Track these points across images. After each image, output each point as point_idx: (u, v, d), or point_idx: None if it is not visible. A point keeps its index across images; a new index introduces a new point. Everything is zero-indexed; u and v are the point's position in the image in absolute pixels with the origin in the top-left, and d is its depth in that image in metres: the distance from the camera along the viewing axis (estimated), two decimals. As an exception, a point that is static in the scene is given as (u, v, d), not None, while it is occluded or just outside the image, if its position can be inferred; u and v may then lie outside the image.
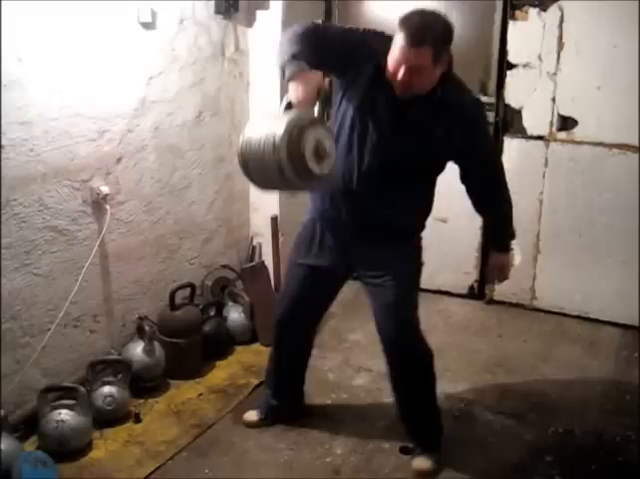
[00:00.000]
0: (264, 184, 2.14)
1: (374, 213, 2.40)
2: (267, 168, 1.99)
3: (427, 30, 2.13)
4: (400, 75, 2.16)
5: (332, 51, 2.27)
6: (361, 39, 2.32)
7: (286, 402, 2.86)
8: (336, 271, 2.58)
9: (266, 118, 2.13)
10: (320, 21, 2.33)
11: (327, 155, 2.05)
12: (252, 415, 2.87)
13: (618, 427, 2.87)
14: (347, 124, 2.34)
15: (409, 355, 2.55)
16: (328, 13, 3.95)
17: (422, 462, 2.61)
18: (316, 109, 2.18)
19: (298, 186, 2.09)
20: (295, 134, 1.96)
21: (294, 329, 2.73)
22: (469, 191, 2.46)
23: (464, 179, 2.43)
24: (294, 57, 2.17)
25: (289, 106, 2.14)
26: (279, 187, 2.23)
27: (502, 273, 2.61)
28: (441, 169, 2.42)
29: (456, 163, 2.40)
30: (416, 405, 2.64)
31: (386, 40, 2.22)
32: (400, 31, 2.15)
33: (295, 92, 2.15)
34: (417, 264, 2.55)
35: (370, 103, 2.29)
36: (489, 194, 2.49)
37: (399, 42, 2.14)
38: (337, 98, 2.39)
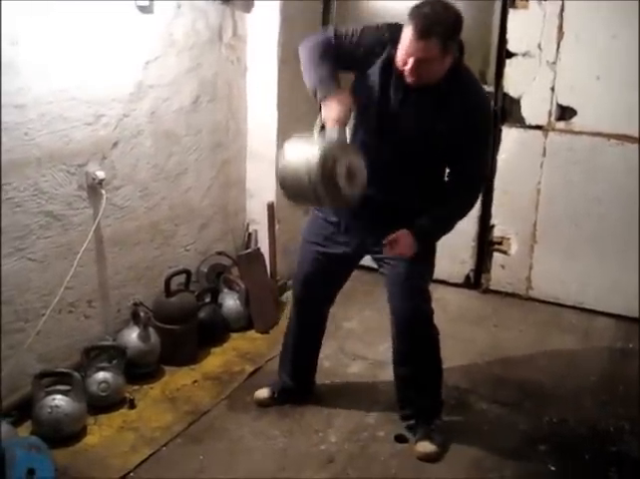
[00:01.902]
0: (301, 203, 2.48)
1: (390, 194, 2.43)
2: (304, 192, 2.19)
3: (435, 22, 2.15)
4: (408, 66, 2.20)
5: (351, 59, 2.36)
6: (374, 35, 2.36)
7: (299, 382, 2.89)
8: (350, 255, 2.62)
9: (302, 141, 2.24)
10: (332, 31, 2.39)
11: (358, 175, 2.20)
12: (264, 393, 2.89)
13: (612, 417, 2.88)
14: (362, 110, 2.38)
15: (418, 335, 2.60)
16: (326, 3, 3.92)
17: (425, 446, 2.62)
18: (348, 129, 2.30)
19: (332, 205, 2.37)
20: (329, 163, 2.12)
21: (310, 308, 2.79)
22: (454, 168, 2.48)
23: (450, 164, 2.46)
24: (322, 79, 2.27)
25: (323, 127, 2.25)
26: (315, 205, 2.50)
27: (397, 249, 2.45)
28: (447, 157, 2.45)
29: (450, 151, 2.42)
30: (420, 384, 2.68)
31: (399, 29, 2.25)
32: (408, 22, 2.17)
33: (329, 113, 2.23)
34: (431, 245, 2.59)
35: (382, 91, 2.34)
36: (456, 188, 2.46)
37: (407, 34, 2.18)
38: (356, 84, 2.43)
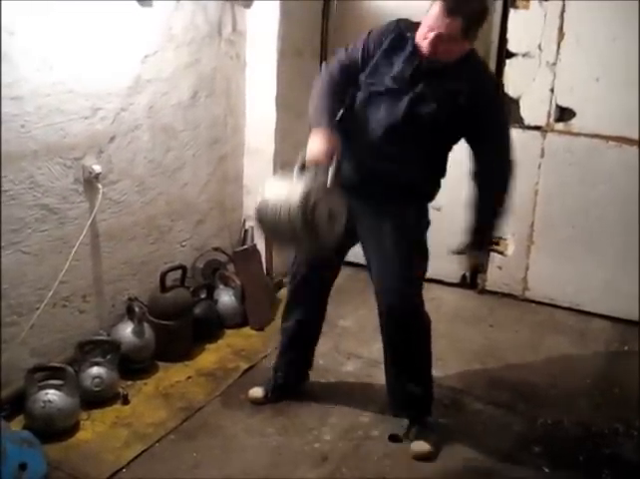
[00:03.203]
0: (277, 241, 2.47)
1: (391, 168, 2.43)
2: (282, 230, 2.18)
3: (463, 2, 2.23)
4: (429, 39, 2.27)
5: (362, 60, 2.43)
6: (381, 29, 2.44)
7: (293, 377, 2.89)
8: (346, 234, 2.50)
9: (283, 182, 2.24)
10: (343, 52, 2.49)
11: (338, 218, 2.21)
12: (258, 392, 2.88)
13: (606, 419, 2.88)
14: (372, 81, 2.43)
15: (407, 323, 2.57)
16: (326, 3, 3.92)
17: (421, 446, 2.62)
18: (330, 170, 2.22)
19: (310, 247, 2.30)
20: (311, 205, 2.12)
21: (305, 300, 2.77)
22: (476, 159, 2.47)
23: (475, 148, 2.45)
24: (317, 111, 2.37)
25: (303, 166, 2.23)
26: (291, 245, 2.44)
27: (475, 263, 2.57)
28: (453, 138, 2.47)
29: (468, 136, 2.44)
30: (410, 374, 2.65)
31: (408, 21, 2.40)
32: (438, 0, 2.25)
33: (314, 149, 2.26)
34: (422, 225, 2.58)
35: (392, 61, 2.40)
36: (486, 177, 2.48)
37: (434, 9, 2.25)
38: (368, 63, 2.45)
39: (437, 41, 2.26)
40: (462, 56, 2.33)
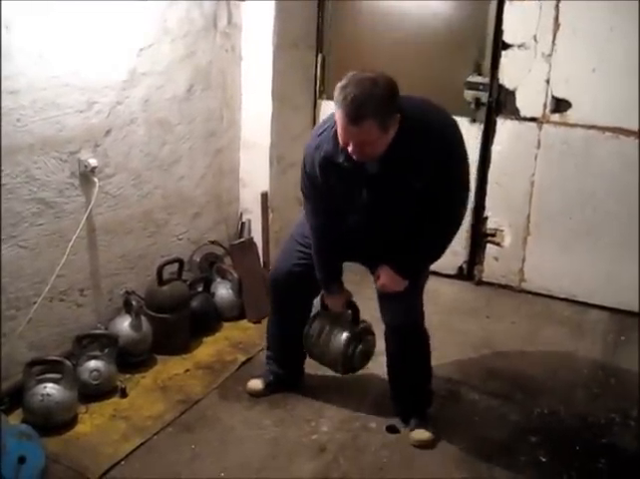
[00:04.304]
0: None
1: (387, 249, 2.48)
2: (325, 362, 2.76)
3: (364, 104, 2.03)
4: (350, 151, 2.14)
5: (321, 189, 2.41)
6: (310, 157, 2.37)
7: (289, 371, 2.90)
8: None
9: (327, 319, 2.71)
10: (307, 200, 2.54)
11: (371, 350, 2.74)
12: (257, 384, 2.89)
13: (603, 410, 2.89)
14: (340, 200, 2.42)
15: (410, 339, 2.64)
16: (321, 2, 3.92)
17: (421, 434, 2.65)
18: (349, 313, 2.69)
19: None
20: (350, 354, 2.66)
21: (290, 303, 2.77)
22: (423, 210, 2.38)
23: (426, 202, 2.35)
24: (323, 280, 2.59)
25: (325, 306, 2.71)
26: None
27: (385, 285, 2.51)
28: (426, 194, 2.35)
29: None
30: (412, 382, 2.71)
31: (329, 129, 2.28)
32: (338, 106, 2.08)
33: (333, 306, 2.65)
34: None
35: (344, 178, 2.32)
36: (436, 215, 2.36)
37: (340, 118, 2.09)
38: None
39: (359, 149, 2.12)
40: (395, 135, 2.16)
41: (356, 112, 2.04)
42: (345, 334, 2.65)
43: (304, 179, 2.46)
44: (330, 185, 2.37)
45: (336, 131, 2.18)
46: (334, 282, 2.60)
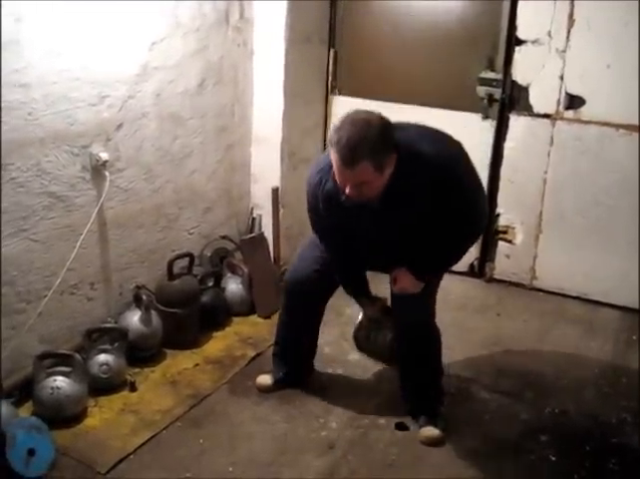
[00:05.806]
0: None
1: (402, 261, 2.50)
2: (370, 351, 2.90)
3: (358, 147, 2.03)
4: (346, 192, 2.13)
5: (331, 218, 2.41)
6: (313, 193, 2.39)
7: (298, 368, 2.90)
8: None
9: (370, 321, 2.80)
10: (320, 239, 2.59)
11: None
12: (266, 379, 2.89)
13: (614, 409, 2.87)
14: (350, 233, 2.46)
15: (421, 337, 2.64)
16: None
17: (430, 431, 2.64)
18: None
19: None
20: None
21: (304, 306, 2.78)
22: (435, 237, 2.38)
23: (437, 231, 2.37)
24: (354, 297, 2.70)
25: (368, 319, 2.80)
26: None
27: (402, 288, 2.52)
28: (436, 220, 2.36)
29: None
30: (423, 380, 2.71)
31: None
32: (333, 149, 2.08)
33: (368, 311, 2.74)
34: None
35: (348, 214, 2.32)
36: (456, 233, 2.38)
37: (335, 161, 2.09)
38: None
39: (357, 191, 2.12)
40: (393, 171, 2.16)
41: (350, 155, 2.04)
42: (389, 337, 2.76)
43: (310, 213, 2.49)
44: (336, 219, 2.39)
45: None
46: (362, 296, 2.68)
